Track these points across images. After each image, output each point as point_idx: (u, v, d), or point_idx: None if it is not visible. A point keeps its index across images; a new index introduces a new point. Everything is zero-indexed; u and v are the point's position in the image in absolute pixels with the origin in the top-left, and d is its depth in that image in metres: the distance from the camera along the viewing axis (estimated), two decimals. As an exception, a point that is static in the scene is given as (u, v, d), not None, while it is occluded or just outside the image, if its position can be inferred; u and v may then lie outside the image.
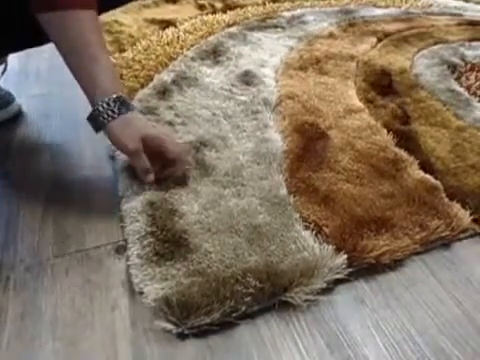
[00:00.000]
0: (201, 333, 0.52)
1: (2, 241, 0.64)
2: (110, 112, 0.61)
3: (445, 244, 0.63)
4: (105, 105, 0.61)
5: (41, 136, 0.86)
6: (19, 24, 0.62)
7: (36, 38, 0.69)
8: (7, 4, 0.59)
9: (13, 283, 0.58)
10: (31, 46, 0.76)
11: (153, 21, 1.28)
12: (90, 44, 0.60)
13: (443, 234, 0.63)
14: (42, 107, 0.95)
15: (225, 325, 0.52)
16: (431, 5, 1.46)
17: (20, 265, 0.61)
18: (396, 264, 0.60)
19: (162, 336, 0.52)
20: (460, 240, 0.64)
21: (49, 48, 0.74)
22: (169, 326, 0.51)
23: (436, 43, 1.18)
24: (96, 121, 0.63)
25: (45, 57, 1.11)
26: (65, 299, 0.56)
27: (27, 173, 0.77)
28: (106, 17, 1.27)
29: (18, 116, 0.91)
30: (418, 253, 0.62)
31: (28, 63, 1.08)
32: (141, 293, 0.55)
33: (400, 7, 1.44)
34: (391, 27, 1.27)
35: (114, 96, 0.61)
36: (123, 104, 0.62)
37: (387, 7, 1.44)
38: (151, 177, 0.65)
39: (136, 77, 0.97)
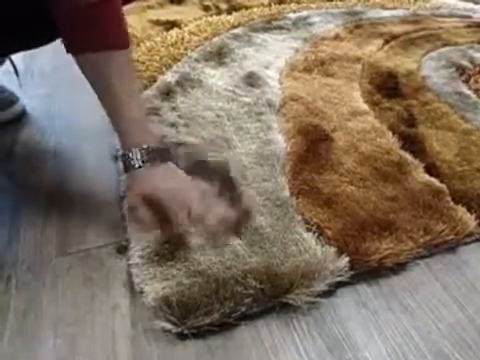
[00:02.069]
0: (201, 333, 0.52)
1: (5, 240, 0.65)
2: (128, 162, 0.59)
3: (450, 248, 0.62)
4: (129, 155, 0.59)
5: (45, 136, 0.87)
6: (19, 25, 0.62)
7: (35, 39, 0.70)
8: (7, 5, 0.59)
9: (15, 282, 0.59)
10: (30, 48, 0.77)
11: (157, 22, 1.28)
12: (116, 93, 0.59)
13: (448, 238, 0.62)
14: (46, 107, 0.95)
15: (225, 326, 0.52)
16: (440, 7, 1.45)
17: (22, 264, 0.61)
18: (399, 267, 0.59)
19: (162, 336, 0.52)
20: (465, 244, 0.63)
21: (53, 48, 0.75)
22: (169, 326, 0.51)
23: (444, 45, 1.17)
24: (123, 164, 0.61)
25: (49, 57, 1.11)
26: (66, 298, 0.56)
27: (30, 173, 0.77)
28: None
29: (22, 116, 0.92)
30: (422, 257, 0.61)
31: (32, 63, 1.08)
32: (141, 292, 0.55)
33: (408, 9, 1.43)
34: (398, 29, 1.26)
35: (133, 149, 0.59)
36: (143, 156, 0.58)
37: (395, 8, 1.43)
38: (163, 236, 0.59)
39: (139, 78, 0.97)
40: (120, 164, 0.73)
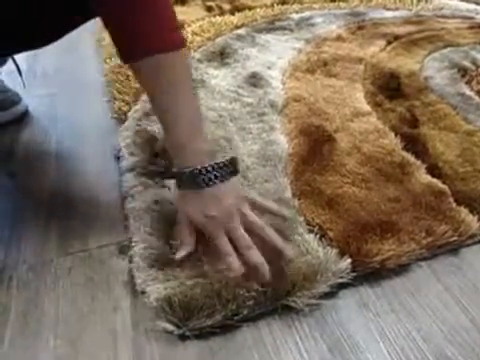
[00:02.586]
0: (202, 335, 0.51)
1: (6, 240, 0.65)
2: (181, 183, 0.57)
3: (452, 249, 0.62)
4: (187, 174, 0.55)
5: (47, 136, 0.87)
6: (18, 26, 0.62)
7: (37, 40, 0.70)
8: (7, 6, 0.59)
9: (16, 282, 0.59)
10: (32, 48, 0.76)
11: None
12: (168, 105, 0.55)
13: (450, 239, 0.62)
14: (48, 107, 0.95)
15: (227, 327, 0.52)
16: (442, 8, 1.45)
17: (23, 264, 0.61)
18: (401, 269, 0.59)
19: (163, 337, 0.52)
20: (468, 246, 0.63)
21: (56, 49, 0.75)
22: (170, 327, 0.51)
23: (446, 46, 1.17)
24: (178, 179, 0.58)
25: (52, 58, 1.12)
26: (67, 298, 0.56)
27: (32, 173, 0.77)
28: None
29: (25, 116, 0.92)
30: (424, 258, 0.61)
31: (35, 64, 1.09)
32: (143, 293, 0.55)
33: (410, 9, 1.43)
34: (401, 30, 1.26)
35: (191, 168, 0.55)
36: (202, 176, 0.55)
37: (397, 9, 1.43)
38: (181, 253, 0.57)
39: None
40: (123, 163, 0.75)
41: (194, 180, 0.54)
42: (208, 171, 0.54)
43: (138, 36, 0.52)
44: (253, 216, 0.56)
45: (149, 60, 0.53)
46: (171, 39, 0.54)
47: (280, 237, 0.57)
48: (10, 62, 0.90)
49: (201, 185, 0.54)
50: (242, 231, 0.55)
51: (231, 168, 0.56)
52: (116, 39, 0.54)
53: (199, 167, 0.54)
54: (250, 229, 0.55)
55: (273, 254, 0.55)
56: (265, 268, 0.53)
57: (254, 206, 0.58)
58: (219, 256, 0.54)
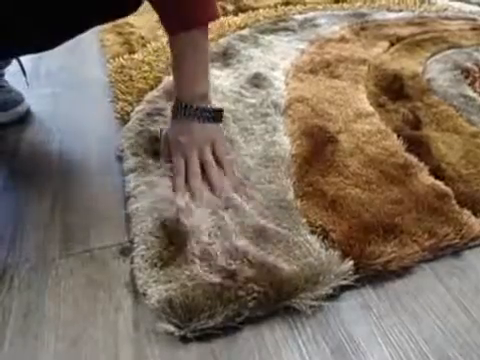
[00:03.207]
0: (204, 336, 0.51)
1: (8, 240, 0.65)
2: (172, 112, 0.74)
3: (455, 252, 0.62)
4: (178, 106, 0.72)
5: (50, 136, 0.87)
6: (19, 30, 0.62)
7: (43, 44, 0.70)
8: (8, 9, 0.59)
9: (18, 282, 0.59)
10: (36, 52, 0.77)
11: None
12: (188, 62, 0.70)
13: (453, 242, 0.62)
14: (52, 107, 0.96)
15: (228, 329, 0.52)
16: (445, 9, 1.45)
17: (25, 264, 0.61)
18: (404, 271, 0.59)
19: (164, 338, 0.51)
20: (470, 248, 0.62)
21: (60, 49, 0.75)
22: (172, 328, 0.51)
23: (450, 48, 1.16)
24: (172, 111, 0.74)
25: (56, 58, 1.12)
26: (69, 299, 0.56)
27: (35, 172, 0.78)
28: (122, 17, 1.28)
29: (27, 116, 0.92)
30: (427, 260, 0.60)
31: (39, 63, 1.09)
32: (145, 294, 0.55)
33: (414, 11, 1.43)
34: (404, 31, 1.26)
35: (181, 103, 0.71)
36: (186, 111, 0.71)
37: (400, 11, 1.42)
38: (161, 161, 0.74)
39: (145, 79, 0.98)
40: (125, 163, 0.75)
41: (180, 112, 0.71)
42: (192, 108, 0.70)
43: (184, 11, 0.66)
44: (209, 156, 0.71)
45: (188, 34, 0.67)
46: (213, 13, 0.68)
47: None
48: (15, 62, 0.90)
49: (181, 116, 0.71)
50: (196, 162, 0.70)
51: (213, 115, 0.72)
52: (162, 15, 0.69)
53: (186, 103, 0.70)
54: (203, 164, 0.70)
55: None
56: (201, 195, 0.67)
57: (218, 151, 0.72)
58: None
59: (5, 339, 0.52)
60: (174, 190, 0.68)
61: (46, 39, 0.68)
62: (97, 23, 0.77)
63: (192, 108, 0.70)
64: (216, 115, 0.73)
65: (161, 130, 0.77)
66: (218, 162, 0.71)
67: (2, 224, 0.67)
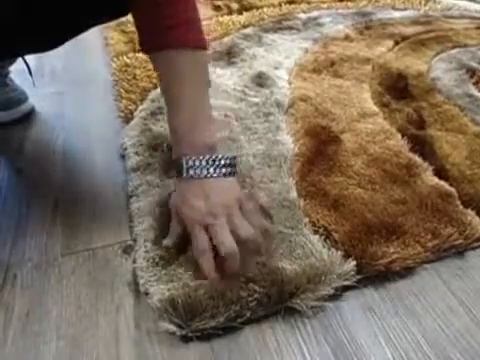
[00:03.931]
0: (205, 336, 0.51)
1: (12, 239, 0.65)
2: (176, 171, 0.57)
3: (458, 253, 0.61)
4: (179, 162, 0.56)
5: (54, 134, 0.87)
6: (20, 30, 0.62)
7: (45, 43, 0.70)
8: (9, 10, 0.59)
9: (21, 281, 0.59)
10: (40, 51, 0.77)
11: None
12: (179, 97, 0.56)
13: (456, 242, 0.61)
14: (56, 106, 0.96)
15: (230, 329, 0.52)
16: (451, 8, 1.44)
17: (28, 263, 0.61)
18: (406, 272, 0.59)
19: (166, 338, 0.51)
20: (474, 249, 0.62)
21: (64, 48, 0.75)
22: (173, 328, 0.51)
23: (455, 47, 1.16)
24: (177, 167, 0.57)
25: (60, 56, 1.12)
26: (71, 298, 0.56)
27: (39, 171, 0.78)
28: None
29: (30, 115, 0.92)
30: (430, 261, 0.60)
31: (43, 62, 1.09)
32: (146, 294, 0.55)
33: (419, 10, 1.42)
34: (409, 30, 1.25)
35: (182, 159, 0.55)
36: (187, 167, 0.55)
37: (405, 10, 1.41)
38: (167, 240, 0.58)
39: (149, 77, 0.98)
40: (128, 162, 0.75)
41: (186, 170, 0.54)
42: (201, 164, 0.54)
43: (158, 30, 0.55)
44: (240, 219, 0.54)
45: (163, 53, 0.55)
46: (188, 38, 0.55)
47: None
48: (19, 61, 0.90)
49: (191, 175, 0.54)
50: (224, 229, 0.53)
51: (229, 168, 0.56)
52: (139, 29, 0.58)
53: (193, 158, 0.54)
54: (234, 231, 0.53)
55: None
56: (235, 258, 0.52)
57: (247, 207, 0.57)
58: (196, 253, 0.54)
59: (8, 337, 0.52)
60: (201, 277, 0.54)
61: (47, 38, 0.68)
62: (99, 22, 0.72)
63: (201, 162, 0.54)
64: (232, 164, 0.56)
65: (168, 146, 0.67)
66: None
67: (5, 222, 0.68)
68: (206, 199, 0.54)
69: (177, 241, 0.57)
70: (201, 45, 0.57)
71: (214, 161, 0.55)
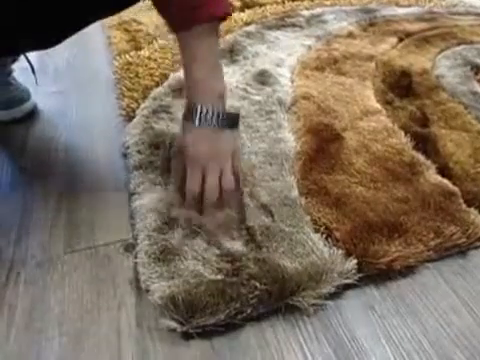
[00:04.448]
0: (206, 333, 0.51)
1: (15, 236, 0.65)
2: (186, 115, 0.63)
3: (461, 252, 0.61)
4: (191, 110, 0.62)
5: (57, 133, 0.87)
6: (20, 27, 0.63)
7: (47, 40, 0.70)
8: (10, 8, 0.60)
9: (24, 278, 0.59)
10: (42, 48, 0.77)
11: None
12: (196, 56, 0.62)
13: (459, 241, 0.61)
14: (59, 104, 0.96)
15: (230, 326, 0.52)
16: (456, 4, 1.42)
17: (31, 260, 0.62)
18: (408, 271, 0.58)
19: (167, 335, 0.52)
20: (476, 248, 0.62)
21: (67, 46, 0.75)
22: (174, 325, 0.51)
23: (459, 44, 1.14)
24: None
25: (63, 55, 1.12)
26: (73, 295, 0.57)
27: (41, 169, 0.78)
28: (125, 16, 1.28)
29: (33, 113, 0.93)
30: (432, 260, 0.60)
31: (46, 61, 1.09)
32: (147, 291, 0.55)
33: (423, 6, 1.40)
34: (413, 27, 1.24)
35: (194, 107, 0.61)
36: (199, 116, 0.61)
37: (410, 6, 1.40)
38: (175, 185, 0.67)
39: (151, 75, 0.98)
40: (130, 160, 0.75)
41: (199, 117, 0.61)
42: (214, 113, 0.61)
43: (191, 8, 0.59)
44: (230, 175, 0.63)
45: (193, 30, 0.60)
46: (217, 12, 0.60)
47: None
48: (23, 59, 0.91)
49: (202, 123, 0.61)
50: (216, 179, 0.62)
51: (233, 121, 0.64)
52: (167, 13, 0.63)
53: (206, 107, 0.60)
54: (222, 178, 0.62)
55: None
56: (214, 192, 0.61)
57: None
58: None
59: (11, 334, 0.53)
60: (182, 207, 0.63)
61: (47, 35, 0.68)
62: (98, 17, 0.73)
63: (212, 112, 0.61)
64: (236, 120, 0.65)
65: (170, 145, 0.72)
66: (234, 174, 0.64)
67: (8, 221, 0.68)
68: (210, 146, 0.62)
69: (181, 184, 0.64)
70: (228, 12, 0.62)
71: (223, 114, 0.62)
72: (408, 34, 1.20)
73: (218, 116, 0.61)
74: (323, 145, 0.77)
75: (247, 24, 1.24)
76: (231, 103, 0.89)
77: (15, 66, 0.94)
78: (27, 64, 0.90)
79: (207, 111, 0.60)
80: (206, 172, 0.62)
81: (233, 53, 1.08)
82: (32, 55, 0.92)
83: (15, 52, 0.83)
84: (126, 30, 1.23)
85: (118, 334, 0.52)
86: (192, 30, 0.60)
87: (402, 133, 0.81)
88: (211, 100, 0.61)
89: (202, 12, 0.59)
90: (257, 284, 0.54)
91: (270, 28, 1.23)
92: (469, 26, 1.23)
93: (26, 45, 0.71)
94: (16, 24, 0.61)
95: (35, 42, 0.70)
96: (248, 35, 1.17)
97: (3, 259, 0.62)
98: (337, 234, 0.61)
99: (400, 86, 0.98)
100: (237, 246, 0.59)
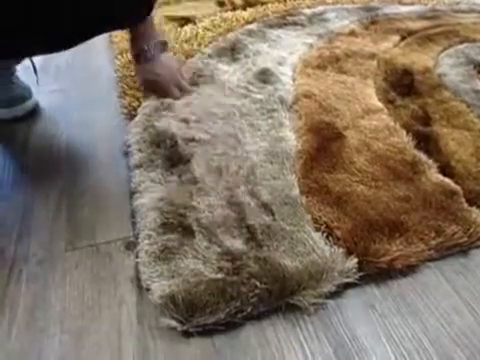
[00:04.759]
0: (206, 332, 0.52)
1: (17, 234, 0.66)
2: (139, 57, 0.89)
3: (462, 251, 0.61)
4: (142, 50, 0.88)
5: (58, 131, 0.88)
6: (29, 33, 0.64)
7: (57, 44, 0.72)
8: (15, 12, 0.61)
9: (25, 276, 0.60)
10: (50, 52, 0.78)
11: (172, 18, 1.28)
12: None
13: (460, 240, 0.61)
14: (60, 103, 0.96)
15: (231, 325, 0.52)
16: (459, 2, 1.41)
17: (33, 258, 0.62)
18: (409, 270, 0.58)
19: (167, 333, 0.52)
20: (478, 247, 0.61)
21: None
22: (174, 324, 0.51)
23: (462, 42, 1.14)
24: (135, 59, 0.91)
25: (65, 54, 1.11)
26: (74, 293, 0.57)
27: (43, 167, 0.78)
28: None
29: (35, 112, 0.93)
30: (433, 259, 0.60)
31: (49, 59, 1.09)
32: (148, 289, 0.55)
33: (426, 4, 1.40)
34: (416, 25, 1.24)
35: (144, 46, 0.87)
36: (151, 51, 0.88)
37: (412, 4, 1.39)
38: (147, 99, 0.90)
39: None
40: (131, 159, 0.75)
41: (146, 56, 0.87)
42: (156, 49, 0.88)
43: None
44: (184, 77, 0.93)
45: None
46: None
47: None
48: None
49: (151, 58, 0.87)
50: (186, 83, 0.92)
51: (165, 47, 0.91)
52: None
53: (150, 47, 0.87)
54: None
55: None
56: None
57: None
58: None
59: (12, 332, 0.53)
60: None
61: (55, 42, 0.70)
62: (110, 29, 0.89)
63: (156, 47, 0.87)
64: (164, 44, 0.91)
65: (171, 143, 0.78)
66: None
67: (10, 218, 0.68)
68: (166, 69, 0.90)
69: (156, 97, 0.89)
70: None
71: (159, 45, 0.89)
72: (410, 32, 1.20)
73: (159, 49, 0.88)
74: (324, 144, 0.77)
75: (249, 22, 1.24)
76: (232, 102, 0.89)
77: (17, 66, 0.94)
78: (28, 62, 0.90)
79: (152, 50, 0.87)
80: (178, 84, 0.91)
81: (234, 51, 1.08)
82: (34, 54, 0.92)
83: (23, 55, 0.84)
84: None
85: (119, 332, 0.52)
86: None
87: (404, 132, 0.80)
88: (152, 43, 0.87)
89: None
90: (257, 283, 0.54)
91: (272, 26, 1.22)
92: (472, 24, 1.23)
93: (34, 50, 0.73)
94: (26, 28, 0.62)
95: (43, 48, 0.71)
96: (250, 33, 1.17)
97: (5, 257, 0.62)
98: (338, 233, 0.61)
99: (402, 85, 0.97)
100: (237, 245, 0.59)
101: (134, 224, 0.65)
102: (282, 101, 0.89)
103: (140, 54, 0.87)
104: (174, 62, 0.94)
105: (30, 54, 0.80)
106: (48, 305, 0.56)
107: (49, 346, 0.51)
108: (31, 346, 0.52)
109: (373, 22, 1.26)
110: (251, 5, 1.37)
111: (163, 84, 0.89)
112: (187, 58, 1.05)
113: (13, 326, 0.53)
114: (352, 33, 1.19)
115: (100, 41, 1.21)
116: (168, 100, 0.89)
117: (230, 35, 1.16)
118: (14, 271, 0.60)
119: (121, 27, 0.88)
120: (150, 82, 0.90)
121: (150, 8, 0.83)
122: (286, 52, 1.09)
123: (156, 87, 0.89)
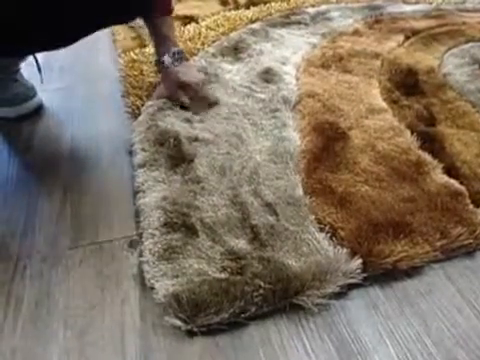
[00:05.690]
0: (210, 331, 0.52)
1: (21, 231, 0.66)
2: (162, 65, 0.89)
3: (467, 252, 0.61)
4: (162, 59, 0.88)
5: (62, 129, 0.88)
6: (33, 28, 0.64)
7: (59, 41, 0.72)
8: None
9: (30, 273, 0.60)
10: (53, 49, 0.78)
11: (176, 17, 1.28)
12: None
13: (466, 242, 0.60)
14: (64, 101, 0.97)
15: (234, 325, 0.52)
16: (464, 1, 1.41)
17: (37, 255, 0.62)
18: (414, 271, 0.58)
19: (170, 332, 0.52)
20: (483, 249, 0.61)
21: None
22: (178, 323, 0.52)
23: (468, 41, 1.13)
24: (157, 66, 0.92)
25: (69, 53, 1.11)
26: (77, 290, 0.57)
27: (47, 165, 0.79)
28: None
29: (38, 111, 0.93)
30: (438, 261, 0.59)
31: (52, 58, 1.10)
32: (152, 289, 0.55)
33: (431, 3, 1.39)
34: (420, 24, 1.23)
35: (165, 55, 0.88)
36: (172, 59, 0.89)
37: (417, 3, 1.39)
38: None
39: (156, 73, 0.97)
40: (135, 158, 0.75)
41: (172, 62, 0.88)
42: (179, 57, 0.89)
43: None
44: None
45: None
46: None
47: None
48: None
49: (176, 65, 0.88)
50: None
51: (185, 56, 0.92)
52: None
53: (172, 55, 0.88)
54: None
55: None
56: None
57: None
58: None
59: (17, 327, 0.53)
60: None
61: (59, 37, 0.70)
62: (110, 24, 0.86)
63: (177, 55, 0.88)
64: (184, 53, 0.93)
65: (175, 143, 0.78)
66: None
67: (15, 216, 0.69)
68: (192, 74, 0.90)
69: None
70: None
71: (180, 54, 0.89)
72: (415, 32, 1.19)
73: (181, 58, 0.89)
74: (328, 144, 0.77)
75: (252, 21, 1.24)
76: (236, 101, 0.89)
77: (21, 64, 0.94)
78: (32, 59, 0.90)
79: (175, 57, 0.88)
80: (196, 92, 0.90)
81: (237, 51, 1.08)
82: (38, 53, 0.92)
83: (28, 52, 0.84)
84: (131, 27, 1.23)
85: (122, 329, 0.52)
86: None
87: (408, 132, 0.80)
88: (173, 51, 0.89)
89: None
90: (261, 283, 0.54)
91: (275, 26, 1.22)
92: (478, 23, 1.22)
93: (39, 45, 0.73)
94: (31, 25, 0.62)
95: (48, 43, 0.71)
96: (253, 33, 1.17)
97: (9, 253, 0.62)
98: (342, 233, 0.61)
99: (406, 84, 0.97)
100: (241, 244, 0.59)
101: (137, 223, 0.65)
102: (285, 101, 0.89)
103: (165, 60, 0.88)
104: (198, 73, 0.94)
105: (34, 47, 0.77)
106: (52, 302, 0.56)
107: (53, 341, 0.52)
108: (35, 341, 0.52)
109: (377, 21, 1.25)
110: (254, 4, 1.36)
111: (190, 94, 0.89)
112: (191, 57, 1.05)
113: (18, 321, 0.54)
114: (356, 32, 1.19)
115: (103, 39, 1.21)
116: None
117: (233, 34, 1.16)
118: (18, 268, 0.61)
119: (132, 18, 0.89)
120: (176, 88, 0.89)
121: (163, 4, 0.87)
122: (289, 51, 1.09)
123: (180, 95, 0.88)
